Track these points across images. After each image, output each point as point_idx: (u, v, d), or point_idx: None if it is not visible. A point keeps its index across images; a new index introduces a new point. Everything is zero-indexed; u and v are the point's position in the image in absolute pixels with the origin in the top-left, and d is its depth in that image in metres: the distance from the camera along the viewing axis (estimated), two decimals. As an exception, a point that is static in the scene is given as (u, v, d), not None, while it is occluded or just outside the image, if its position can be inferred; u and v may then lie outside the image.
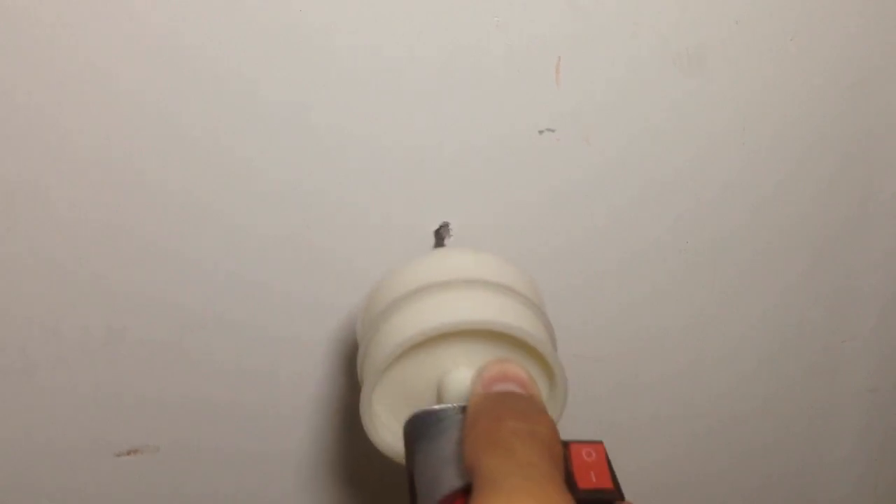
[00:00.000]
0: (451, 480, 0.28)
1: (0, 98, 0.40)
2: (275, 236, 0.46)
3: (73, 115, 0.41)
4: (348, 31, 0.43)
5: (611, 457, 0.30)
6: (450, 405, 0.32)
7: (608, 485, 0.29)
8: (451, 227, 0.49)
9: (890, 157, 0.55)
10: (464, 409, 0.31)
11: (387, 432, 0.37)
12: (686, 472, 0.62)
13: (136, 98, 0.42)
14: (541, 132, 0.49)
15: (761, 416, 0.62)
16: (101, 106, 0.42)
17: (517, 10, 0.45)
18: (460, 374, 0.35)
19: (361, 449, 0.37)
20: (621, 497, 0.29)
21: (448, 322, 0.33)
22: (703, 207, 0.53)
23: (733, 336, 0.58)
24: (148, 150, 0.43)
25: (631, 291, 0.54)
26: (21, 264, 0.44)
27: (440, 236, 0.48)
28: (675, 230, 0.53)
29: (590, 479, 0.29)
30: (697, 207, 0.53)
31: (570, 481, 0.29)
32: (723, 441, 0.62)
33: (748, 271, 0.56)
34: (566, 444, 0.30)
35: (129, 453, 0.50)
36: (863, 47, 0.52)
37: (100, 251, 0.44)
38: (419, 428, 0.32)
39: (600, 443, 0.30)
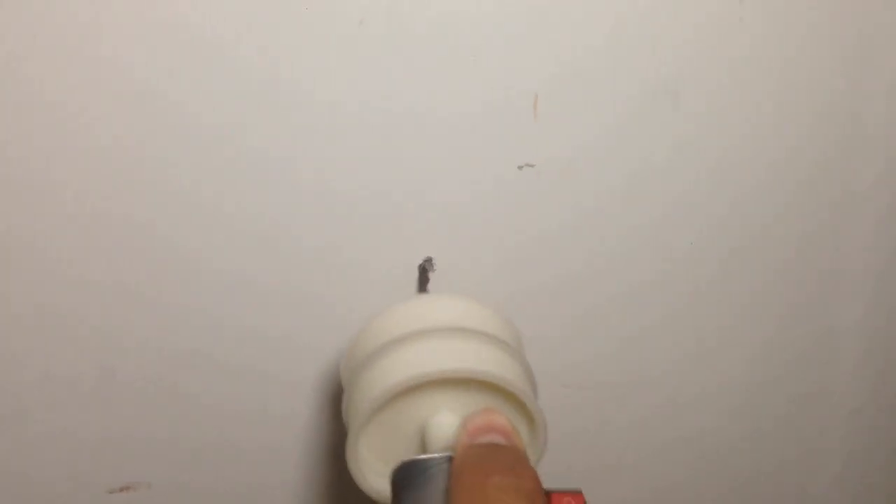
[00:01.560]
0: (437, 531, 0.30)
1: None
2: (262, 279, 0.47)
3: (60, 167, 0.42)
4: (327, 77, 0.44)
5: (595, 492, 0.32)
6: (436, 455, 0.33)
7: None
8: (434, 262, 0.50)
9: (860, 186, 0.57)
10: (450, 459, 0.32)
11: (374, 475, 0.38)
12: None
13: (123, 154, 0.43)
14: (520, 167, 0.49)
15: (749, 449, 0.63)
16: (90, 159, 0.42)
17: (495, 49, 0.46)
18: (443, 419, 0.36)
19: (349, 485, 0.38)
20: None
21: (429, 371, 0.35)
22: (684, 243, 0.54)
23: (719, 371, 0.59)
24: (136, 197, 0.44)
25: (613, 328, 0.55)
26: (13, 308, 0.44)
27: (424, 270, 0.49)
28: (658, 267, 0.54)
29: (571, 529, 0.30)
30: (678, 243, 0.54)
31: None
32: (709, 472, 0.63)
33: (735, 308, 0.57)
34: (548, 494, 0.31)
35: (121, 490, 0.51)
36: (831, 73, 0.53)
37: (90, 295, 0.45)
38: (406, 477, 0.33)
39: (579, 492, 0.31)
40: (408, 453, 0.37)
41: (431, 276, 0.49)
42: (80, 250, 0.44)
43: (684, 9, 0.49)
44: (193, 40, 0.42)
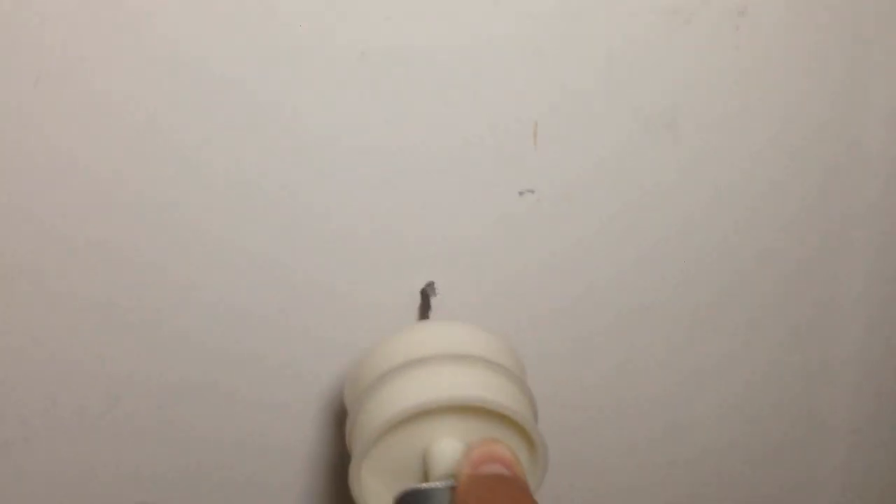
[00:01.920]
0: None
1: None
2: (261, 308, 0.48)
3: (65, 196, 0.43)
4: (327, 107, 0.45)
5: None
6: (439, 484, 0.33)
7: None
8: (435, 286, 0.50)
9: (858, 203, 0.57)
10: (453, 489, 0.33)
11: (377, 502, 0.38)
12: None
13: (127, 187, 0.43)
14: (521, 193, 0.50)
15: (749, 473, 0.63)
16: (96, 192, 0.43)
17: (495, 78, 0.47)
18: (446, 445, 0.37)
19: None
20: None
21: (431, 400, 0.35)
22: (683, 268, 0.54)
23: (719, 394, 0.59)
24: (138, 228, 0.44)
25: (615, 354, 0.55)
26: (19, 338, 0.45)
27: (426, 295, 0.50)
28: (657, 290, 0.54)
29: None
30: (677, 267, 0.54)
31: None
32: (709, 495, 0.63)
33: (734, 331, 0.58)
34: None
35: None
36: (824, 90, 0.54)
37: (94, 325, 0.46)
38: (409, 506, 0.33)
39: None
40: (411, 479, 0.38)
41: (434, 301, 0.50)
42: (82, 280, 0.45)
43: (681, 37, 0.49)
44: (192, 70, 0.43)
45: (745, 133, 0.53)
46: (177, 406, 0.48)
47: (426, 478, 0.37)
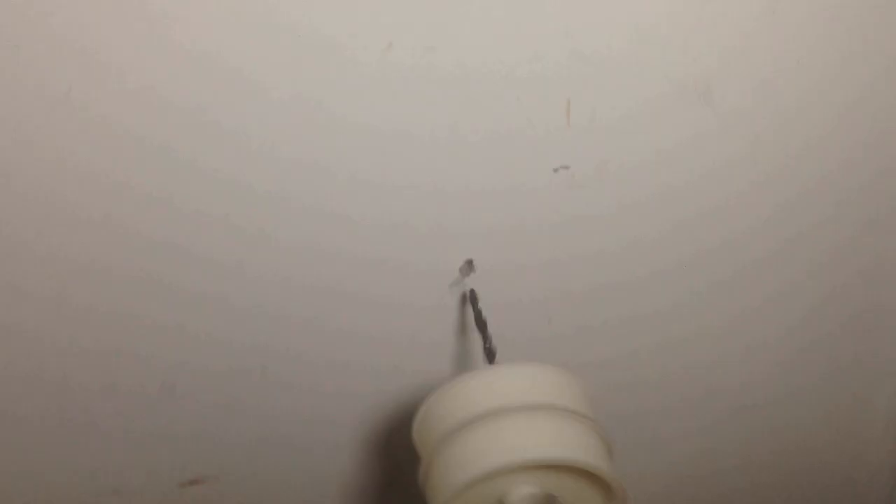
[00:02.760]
0: None
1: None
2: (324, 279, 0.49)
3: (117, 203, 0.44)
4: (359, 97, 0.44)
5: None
6: None
7: None
8: (474, 263, 0.51)
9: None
10: None
11: None
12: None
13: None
14: (555, 170, 0.49)
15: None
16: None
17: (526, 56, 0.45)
18: (523, 491, 0.39)
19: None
20: None
21: (514, 461, 0.37)
22: (719, 233, 0.55)
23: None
24: (176, 238, 0.46)
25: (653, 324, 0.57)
26: (78, 326, 0.47)
27: (474, 299, 0.50)
28: (692, 253, 0.55)
29: None
30: (713, 232, 0.55)
31: None
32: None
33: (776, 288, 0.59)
34: None
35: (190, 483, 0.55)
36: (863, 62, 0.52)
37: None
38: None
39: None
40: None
41: (472, 278, 0.51)
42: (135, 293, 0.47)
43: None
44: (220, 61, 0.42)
45: (780, 91, 0.51)
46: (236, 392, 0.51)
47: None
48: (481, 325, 0.47)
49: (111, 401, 0.49)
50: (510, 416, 0.39)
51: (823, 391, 0.63)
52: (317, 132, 0.45)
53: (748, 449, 0.65)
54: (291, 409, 0.53)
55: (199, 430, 0.52)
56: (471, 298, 0.49)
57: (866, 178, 0.56)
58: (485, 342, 0.46)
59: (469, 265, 0.50)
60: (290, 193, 0.46)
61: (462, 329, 0.52)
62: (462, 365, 0.53)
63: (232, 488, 0.55)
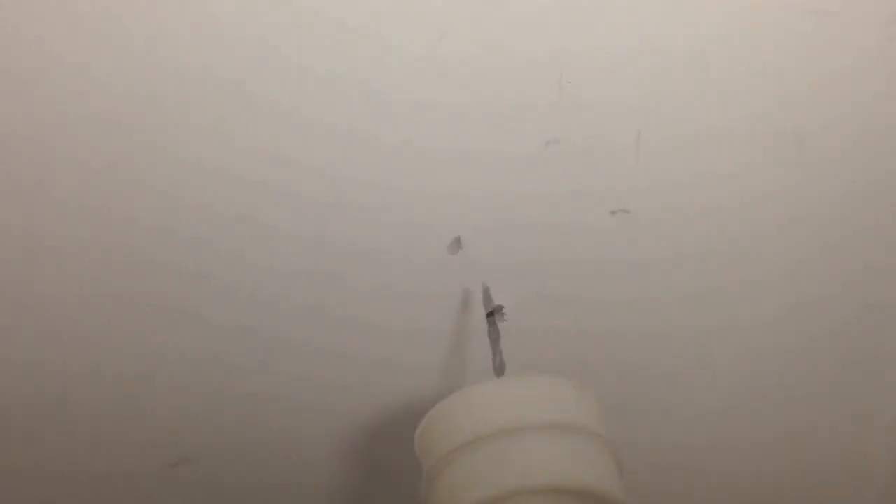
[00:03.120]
0: None
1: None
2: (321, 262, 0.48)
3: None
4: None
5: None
6: None
7: None
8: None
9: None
10: None
11: None
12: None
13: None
14: (613, 213, 0.48)
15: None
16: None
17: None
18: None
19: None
20: None
21: (525, 485, 0.36)
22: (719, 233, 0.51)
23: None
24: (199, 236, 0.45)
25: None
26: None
27: (491, 303, 0.48)
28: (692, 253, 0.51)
29: None
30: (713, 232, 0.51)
31: None
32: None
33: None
34: None
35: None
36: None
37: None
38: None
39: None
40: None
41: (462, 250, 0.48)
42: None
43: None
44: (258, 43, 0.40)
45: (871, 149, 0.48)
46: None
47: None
48: (494, 336, 0.46)
49: (100, 386, 0.49)
50: (524, 434, 0.37)
51: (823, 391, 0.59)
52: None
53: (748, 448, 0.61)
54: (283, 397, 0.52)
55: (187, 413, 0.51)
56: (486, 306, 0.48)
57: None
58: (494, 356, 0.45)
59: (457, 242, 0.48)
60: (281, 184, 0.45)
61: (462, 329, 0.51)
62: (460, 360, 0.51)
63: (217, 471, 0.55)
